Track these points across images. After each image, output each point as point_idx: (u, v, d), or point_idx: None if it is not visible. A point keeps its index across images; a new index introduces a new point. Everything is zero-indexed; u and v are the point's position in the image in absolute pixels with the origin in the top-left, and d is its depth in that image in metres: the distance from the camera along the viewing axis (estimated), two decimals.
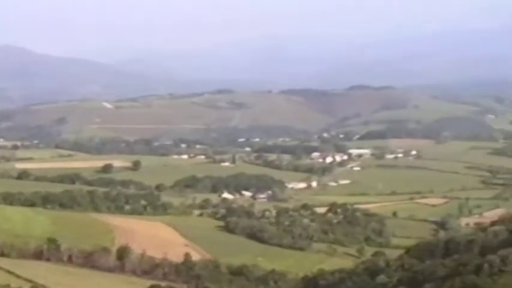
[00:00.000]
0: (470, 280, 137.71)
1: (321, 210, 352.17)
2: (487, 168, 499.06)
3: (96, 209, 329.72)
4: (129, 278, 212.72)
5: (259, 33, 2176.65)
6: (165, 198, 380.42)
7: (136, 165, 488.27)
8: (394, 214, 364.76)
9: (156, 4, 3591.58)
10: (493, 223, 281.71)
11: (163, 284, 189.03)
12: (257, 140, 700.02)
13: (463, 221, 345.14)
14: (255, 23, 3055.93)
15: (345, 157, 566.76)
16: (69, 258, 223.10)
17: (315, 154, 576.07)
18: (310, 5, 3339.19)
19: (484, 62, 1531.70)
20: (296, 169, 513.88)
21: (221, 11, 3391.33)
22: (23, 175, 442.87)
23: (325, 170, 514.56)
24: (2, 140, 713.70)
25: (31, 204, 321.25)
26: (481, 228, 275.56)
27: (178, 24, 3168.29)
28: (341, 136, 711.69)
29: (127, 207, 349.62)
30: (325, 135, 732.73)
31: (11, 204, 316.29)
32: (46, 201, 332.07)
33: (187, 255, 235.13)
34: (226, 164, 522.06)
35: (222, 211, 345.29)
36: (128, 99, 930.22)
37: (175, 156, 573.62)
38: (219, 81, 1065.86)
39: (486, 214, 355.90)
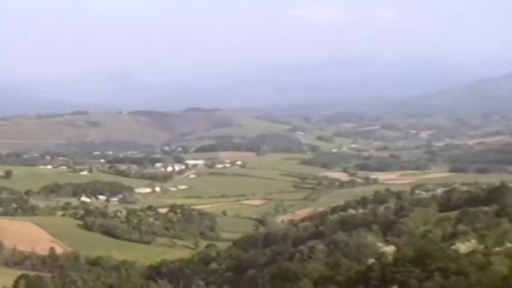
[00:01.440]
0: (285, 266, 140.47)
1: (163, 210, 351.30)
2: (298, 175, 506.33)
3: None
4: (2, 269, 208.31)
5: (112, 65, 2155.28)
6: (33, 201, 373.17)
7: (8, 174, 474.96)
8: (224, 213, 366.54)
9: (26, 33, 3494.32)
10: (303, 220, 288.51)
11: (31, 273, 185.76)
12: (110, 153, 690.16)
13: (279, 218, 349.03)
14: (109, 56, 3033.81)
15: (183, 167, 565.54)
16: None
17: (158, 164, 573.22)
18: (153, 42, 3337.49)
19: (296, 89, 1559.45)
20: (142, 177, 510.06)
21: (81, 45, 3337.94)
22: None
23: (166, 177, 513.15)
24: None
25: None
26: (293, 224, 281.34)
27: (47, 53, 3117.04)
28: (179, 149, 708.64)
29: (0, 209, 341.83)
30: (166, 148, 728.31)
31: None
32: None
33: (52, 249, 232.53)
34: (84, 172, 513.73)
35: (81, 212, 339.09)
36: (0, 119, 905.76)
37: (42, 167, 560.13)
38: (78, 104, 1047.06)
39: (298, 212, 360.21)
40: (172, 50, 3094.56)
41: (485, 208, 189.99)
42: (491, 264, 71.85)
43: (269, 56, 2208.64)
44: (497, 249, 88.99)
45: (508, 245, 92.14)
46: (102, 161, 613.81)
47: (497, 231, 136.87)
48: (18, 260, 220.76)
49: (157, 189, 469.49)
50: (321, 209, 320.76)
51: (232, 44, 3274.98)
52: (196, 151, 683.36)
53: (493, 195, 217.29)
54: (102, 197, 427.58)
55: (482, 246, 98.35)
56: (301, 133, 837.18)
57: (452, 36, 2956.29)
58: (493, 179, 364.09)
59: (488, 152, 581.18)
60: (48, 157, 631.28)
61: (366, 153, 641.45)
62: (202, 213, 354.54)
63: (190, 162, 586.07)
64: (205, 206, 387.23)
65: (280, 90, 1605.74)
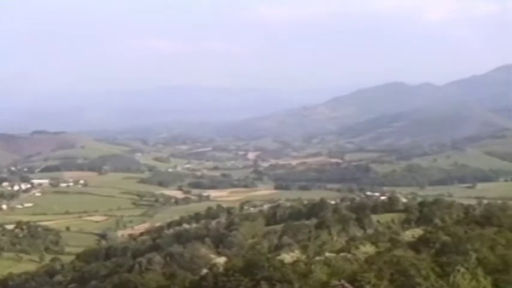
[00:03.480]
0: (125, 277, 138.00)
1: (10, 227, 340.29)
2: (136, 193, 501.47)
3: None
4: None
5: None
6: None
7: None
8: (67, 228, 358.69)
9: None
10: (141, 234, 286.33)
11: None
12: None
13: (120, 232, 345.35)
14: None
15: (29, 185, 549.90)
16: None
17: (5, 183, 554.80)
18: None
19: (134, 114, 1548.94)
20: None
21: None
22: None
23: (13, 195, 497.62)
24: None
25: None
26: (132, 238, 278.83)
27: None
28: (25, 169, 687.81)
29: None
30: (13, 168, 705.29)
31: None
32: None
33: None
34: None
35: None
36: None
37: None
38: None
39: (136, 227, 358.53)
40: (17, 75, 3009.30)
41: (306, 222, 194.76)
42: (312, 272, 72.97)
43: (108, 83, 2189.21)
44: (317, 258, 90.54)
45: (327, 254, 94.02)
46: None
47: (317, 242, 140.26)
48: None
49: (4, 206, 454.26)
50: (157, 224, 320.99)
51: (72, 71, 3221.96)
52: (41, 171, 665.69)
53: (313, 210, 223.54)
54: None
55: (304, 256, 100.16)
56: (140, 154, 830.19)
57: (275, 67, 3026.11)
58: (314, 195, 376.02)
59: (309, 171, 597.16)
60: None
61: (199, 173, 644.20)
62: (47, 229, 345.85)
63: (36, 181, 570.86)
64: (50, 222, 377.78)
65: (119, 114, 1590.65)
